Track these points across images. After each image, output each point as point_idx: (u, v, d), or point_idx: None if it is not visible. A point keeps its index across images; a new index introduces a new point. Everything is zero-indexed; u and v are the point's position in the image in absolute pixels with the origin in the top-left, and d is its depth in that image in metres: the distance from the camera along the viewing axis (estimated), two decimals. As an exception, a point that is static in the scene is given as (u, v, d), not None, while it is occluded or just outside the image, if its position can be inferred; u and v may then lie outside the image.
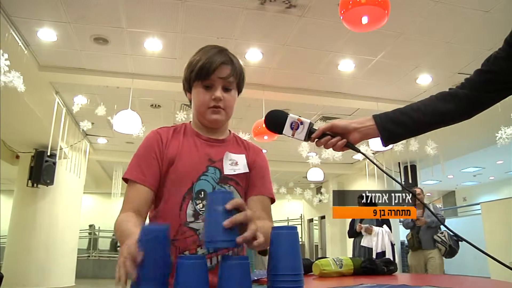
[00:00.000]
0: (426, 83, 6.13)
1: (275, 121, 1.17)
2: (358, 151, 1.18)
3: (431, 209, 5.36)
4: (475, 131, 7.38)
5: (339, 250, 11.64)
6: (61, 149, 7.40)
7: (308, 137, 1.15)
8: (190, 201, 1.17)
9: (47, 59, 5.46)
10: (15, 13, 4.40)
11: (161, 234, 0.83)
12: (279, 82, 6.07)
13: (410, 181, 8.77)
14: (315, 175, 8.85)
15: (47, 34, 4.80)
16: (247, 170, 1.26)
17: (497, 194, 13.43)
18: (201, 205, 1.17)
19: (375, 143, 6.29)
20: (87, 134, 8.51)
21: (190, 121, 1.33)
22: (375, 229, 5.26)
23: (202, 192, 1.18)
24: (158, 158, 1.18)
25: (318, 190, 13.70)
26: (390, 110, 1.19)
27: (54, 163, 7.70)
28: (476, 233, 7.61)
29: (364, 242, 5.23)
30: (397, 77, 6.00)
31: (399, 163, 9.55)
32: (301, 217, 16.01)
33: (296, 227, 0.92)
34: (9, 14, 4.40)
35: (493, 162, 11.66)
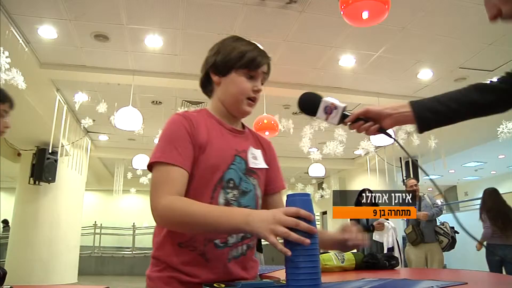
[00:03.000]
0: (427, 78, 6.12)
1: (309, 104, 1.18)
2: (390, 136, 1.19)
3: (428, 200, 5.34)
4: (477, 125, 7.37)
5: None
6: (62, 146, 7.41)
7: (342, 120, 1.16)
8: (222, 190, 1.14)
9: (48, 56, 5.46)
10: (16, 10, 4.40)
11: (308, 198, 0.92)
12: (279, 78, 6.06)
13: (412, 176, 8.77)
14: (317, 170, 8.86)
15: (47, 32, 4.79)
16: (266, 166, 1.28)
17: (499, 189, 13.32)
18: (231, 194, 1.16)
19: (376, 139, 6.29)
20: (88, 131, 8.52)
21: (205, 108, 1.29)
22: (386, 224, 5.26)
23: (232, 182, 1.16)
24: (192, 142, 1.13)
25: (320, 186, 13.71)
26: (425, 98, 1.19)
27: (56, 161, 7.72)
28: (478, 228, 7.61)
29: (377, 236, 5.21)
30: (398, 72, 5.99)
31: (400, 158, 9.55)
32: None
33: (309, 193, 0.97)
34: (9, 12, 4.39)
35: (494, 156, 11.65)
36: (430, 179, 1.47)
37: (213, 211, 1.00)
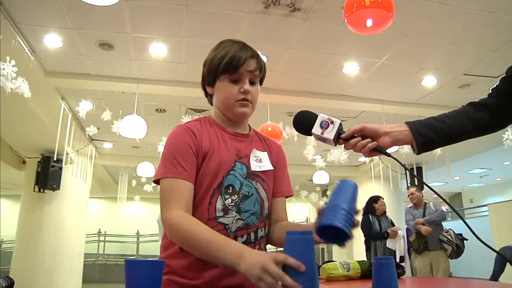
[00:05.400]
0: (431, 85, 6.11)
1: (305, 120, 1.17)
2: (388, 155, 1.15)
3: (432, 206, 5.31)
4: (481, 132, 7.32)
5: (345, 253, 11.59)
6: (67, 154, 7.44)
7: (338, 137, 1.14)
8: (219, 196, 1.16)
9: (53, 65, 5.50)
10: (22, 20, 4.44)
11: (309, 240, 0.86)
12: (283, 86, 6.06)
13: (416, 183, 8.73)
14: (321, 178, 8.83)
15: (52, 41, 4.83)
16: (272, 168, 1.29)
17: (504, 196, 13.32)
18: (230, 200, 1.16)
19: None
20: (92, 139, 8.55)
21: (210, 114, 1.32)
22: (399, 232, 5.25)
23: (231, 187, 1.17)
24: (195, 153, 1.16)
25: (324, 193, 13.67)
26: (422, 118, 1.17)
27: (60, 168, 7.74)
28: (484, 235, 7.46)
29: (390, 244, 5.19)
30: (402, 79, 5.98)
31: (404, 165, 9.49)
32: (306, 220, 15.97)
33: (311, 232, 0.89)
34: (15, 22, 4.44)
35: (499, 163, 11.59)
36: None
37: (213, 241, 0.99)
